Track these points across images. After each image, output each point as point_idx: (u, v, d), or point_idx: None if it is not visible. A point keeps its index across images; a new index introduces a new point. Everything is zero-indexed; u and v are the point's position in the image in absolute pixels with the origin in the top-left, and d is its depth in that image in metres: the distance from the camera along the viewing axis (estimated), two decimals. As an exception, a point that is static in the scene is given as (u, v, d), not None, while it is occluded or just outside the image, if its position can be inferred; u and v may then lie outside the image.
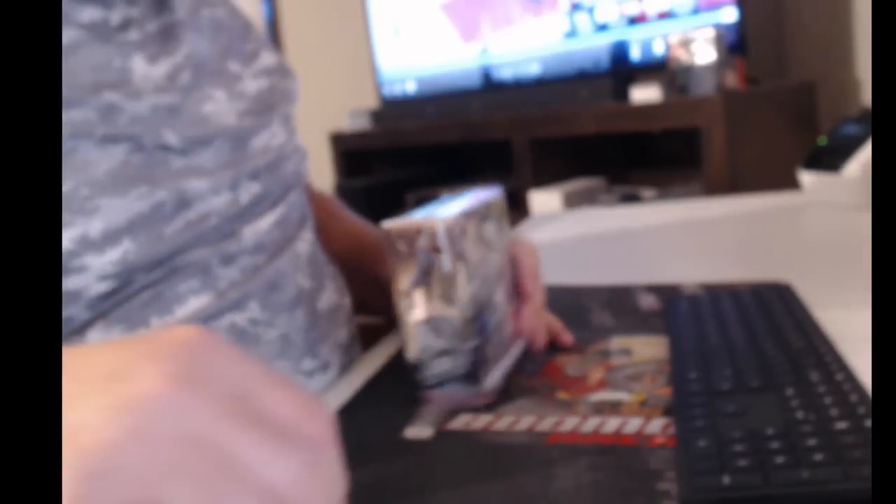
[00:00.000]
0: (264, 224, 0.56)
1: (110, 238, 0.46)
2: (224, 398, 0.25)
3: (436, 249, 0.49)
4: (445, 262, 0.49)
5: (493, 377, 0.53)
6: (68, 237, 0.44)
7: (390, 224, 0.50)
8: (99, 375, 0.24)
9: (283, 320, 0.56)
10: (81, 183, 0.45)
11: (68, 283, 0.44)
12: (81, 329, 0.46)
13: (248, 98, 0.57)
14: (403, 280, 0.50)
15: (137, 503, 0.23)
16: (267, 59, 0.62)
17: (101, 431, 0.23)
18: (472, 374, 0.51)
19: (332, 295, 0.63)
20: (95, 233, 0.45)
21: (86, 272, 0.45)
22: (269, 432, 0.25)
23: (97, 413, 0.23)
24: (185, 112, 0.52)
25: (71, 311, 0.45)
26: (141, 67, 0.51)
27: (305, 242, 0.61)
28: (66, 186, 0.45)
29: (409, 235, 0.49)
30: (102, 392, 0.24)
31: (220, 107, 0.55)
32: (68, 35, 0.47)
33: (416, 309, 0.50)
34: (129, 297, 0.47)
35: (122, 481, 0.23)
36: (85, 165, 0.46)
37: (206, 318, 0.51)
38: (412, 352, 0.51)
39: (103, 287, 0.46)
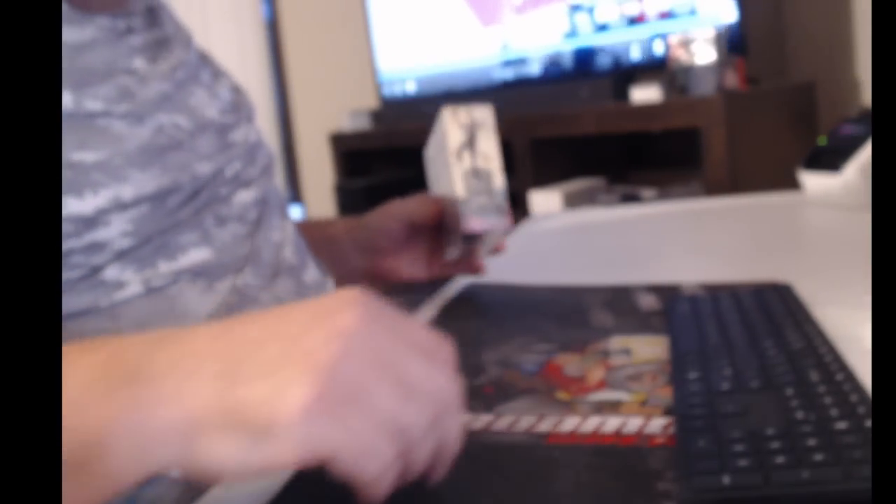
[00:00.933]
0: (248, 197, 0.64)
1: (138, 202, 0.53)
2: (392, 331, 0.37)
3: (481, 125, 0.72)
4: (489, 134, 0.72)
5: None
6: (103, 196, 0.51)
7: (450, 106, 0.72)
8: (312, 317, 0.36)
9: (276, 286, 0.62)
10: (115, 153, 0.53)
11: (98, 235, 0.51)
12: (102, 267, 0.52)
13: (222, 100, 0.66)
14: (454, 143, 0.71)
15: (354, 394, 0.34)
16: (227, 80, 0.71)
17: (327, 351, 0.34)
18: (503, 207, 0.72)
19: (316, 273, 0.70)
20: (128, 196, 0.52)
21: (111, 226, 0.52)
22: (423, 355, 0.37)
23: (321, 339, 0.34)
24: (178, 101, 0.60)
25: (97, 259, 0.51)
26: (143, 67, 0.59)
27: (287, 226, 0.69)
28: (103, 155, 0.52)
29: (465, 112, 0.72)
30: (320, 327, 0.35)
31: (202, 101, 0.63)
32: (89, 31, 0.55)
33: (464, 162, 0.71)
34: (141, 245, 0.54)
35: (344, 381, 0.34)
36: (119, 139, 0.53)
37: (209, 275, 0.57)
38: (460, 191, 0.70)
39: (126, 242, 0.53)
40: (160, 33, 0.63)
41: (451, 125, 0.72)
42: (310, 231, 0.81)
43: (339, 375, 0.33)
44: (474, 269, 0.80)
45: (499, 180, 0.72)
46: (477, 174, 0.71)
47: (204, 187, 0.59)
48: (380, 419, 0.34)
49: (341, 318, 0.35)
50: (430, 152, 0.80)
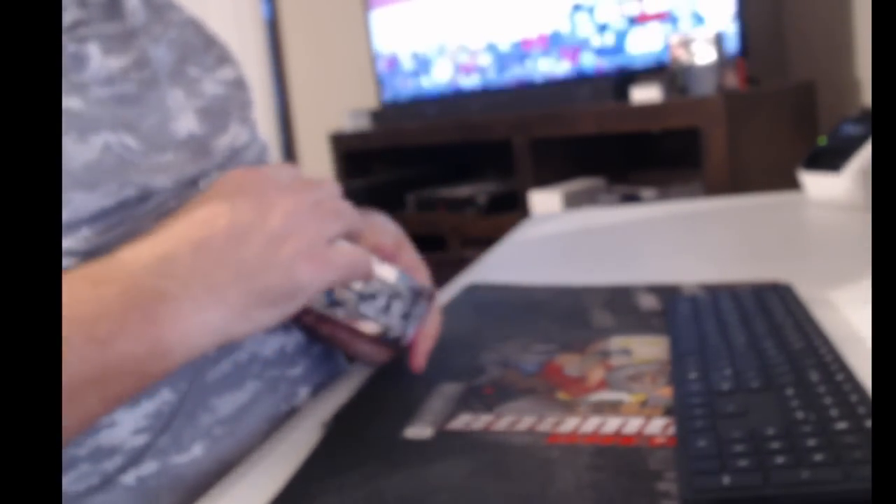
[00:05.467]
0: None
1: (70, 227, 0.48)
2: (308, 206, 0.49)
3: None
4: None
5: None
6: None
7: None
8: (254, 210, 0.47)
9: None
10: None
11: None
12: None
13: (206, 97, 0.61)
14: (315, 300, 0.53)
15: (322, 263, 0.48)
16: (227, 72, 0.66)
17: (297, 238, 0.47)
18: (418, 287, 0.57)
19: None
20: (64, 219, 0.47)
21: None
22: (330, 213, 0.50)
23: (284, 227, 0.47)
24: (143, 101, 0.55)
25: None
26: (97, 56, 0.54)
27: None
28: None
29: None
30: (273, 217, 0.47)
31: (178, 102, 0.58)
32: None
33: (347, 302, 0.54)
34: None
35: (313, 254, 0.48)
36: (65, 159, 0.48)
37: None
38: (371, 328, 0.55)
39: (68, 263, 0.48)
40: (123, 27, 0.58)
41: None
42: None
43: (312, 235, 0.47)
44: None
45: (387, 272, 0.55)
46: (366, 297, 0.54)
47: (158, 194, 0.53)
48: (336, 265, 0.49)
49: (267, 200, 0.47)
50: None
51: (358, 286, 0.54)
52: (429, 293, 0.58)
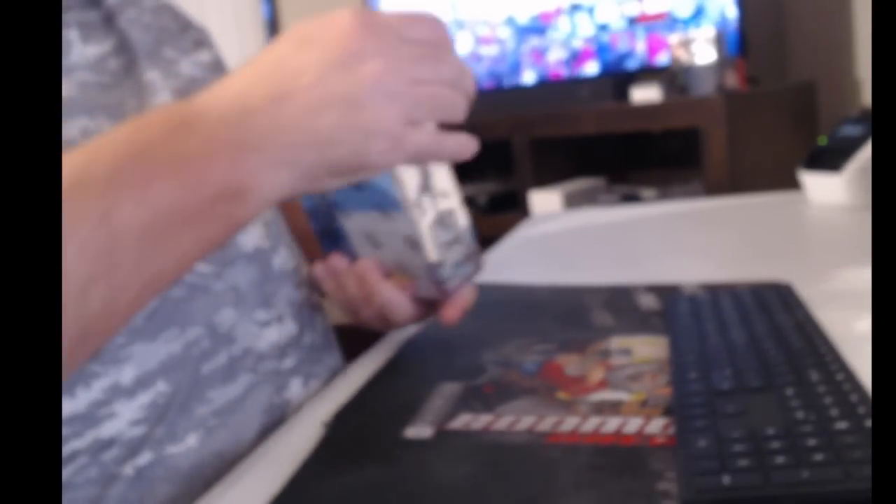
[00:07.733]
0: None
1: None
2: (403, 47, 0.47)
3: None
4: (437, 164, 0.55)
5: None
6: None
7: None
8: (336, 65, 0.44)
9: (231, 273, 0.57)
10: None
11: None
12: None
13: (182, 78, 0.61)
14: (410, 190, 0.53)
15: (398, 134, 0.46)
16: (204, 56, 0.65)
17: (379, 106, 0.45)
18: (475, 251, 0.57)
19: (287, 258, 0.64)
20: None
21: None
22: (432, 54, 0.50)
23: (366, 95, 0.45)
24: (123, 87, 0.55)
25: None
26: (77, 43, 0.54)
27: None
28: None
29: None
30: (350, 75, 0.45)
31: (155, 83, 0.58)
32: None
33: (428, 212, 0.54)
34: None
35: (396, 120, 0.46)
36: None
37: None
38: (433, 254, 0.55)
39: None
40: (99, 13, 0.58)
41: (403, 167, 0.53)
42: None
43: (394, 115, 0.45)
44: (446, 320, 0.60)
45: (463, 218, 0.56)
46: (442, 222, 0.55)
47: None
48: (424, 141, 0.49)
49: (359, 59, 0.44)
50: (358, 220, 0.58)
51: (444, 205, 0.54)
52: (479, 262, 0.58)
